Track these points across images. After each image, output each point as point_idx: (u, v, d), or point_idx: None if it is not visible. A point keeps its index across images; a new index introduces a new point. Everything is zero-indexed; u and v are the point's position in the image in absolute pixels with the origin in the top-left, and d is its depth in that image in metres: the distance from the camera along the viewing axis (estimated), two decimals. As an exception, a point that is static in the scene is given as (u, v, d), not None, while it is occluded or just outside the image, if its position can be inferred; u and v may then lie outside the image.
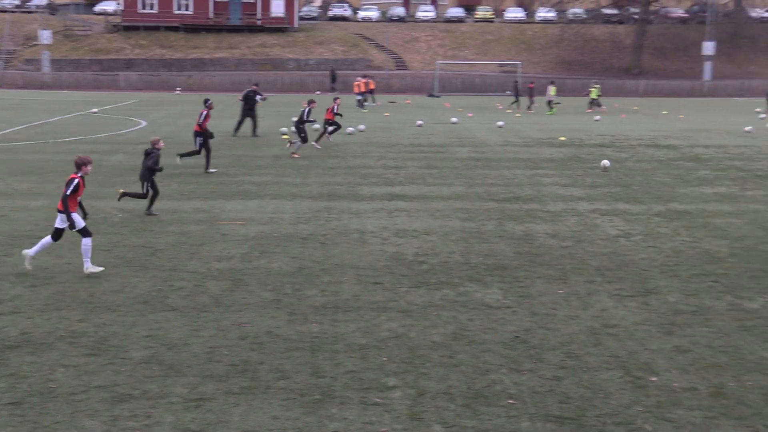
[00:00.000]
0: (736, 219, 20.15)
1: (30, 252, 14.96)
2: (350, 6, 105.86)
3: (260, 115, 40.81)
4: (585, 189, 24.43)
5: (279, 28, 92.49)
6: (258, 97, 38.69)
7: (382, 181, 25.52)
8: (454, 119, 47.49)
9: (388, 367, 10.63)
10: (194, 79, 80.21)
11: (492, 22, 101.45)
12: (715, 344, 11.53)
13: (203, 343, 11.44)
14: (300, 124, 32.04)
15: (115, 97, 67.11)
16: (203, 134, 26.56)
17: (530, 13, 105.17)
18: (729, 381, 10.25)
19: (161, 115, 49.48)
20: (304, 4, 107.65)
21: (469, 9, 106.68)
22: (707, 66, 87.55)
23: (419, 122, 45.08)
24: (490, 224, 19.41)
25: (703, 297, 13.75)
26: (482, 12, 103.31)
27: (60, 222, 14.66)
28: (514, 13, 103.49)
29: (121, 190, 20.27)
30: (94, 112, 50.35)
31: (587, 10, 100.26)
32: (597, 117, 50.70)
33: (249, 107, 37.87)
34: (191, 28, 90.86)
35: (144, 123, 43.96)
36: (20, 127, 41.21)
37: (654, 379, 10.29)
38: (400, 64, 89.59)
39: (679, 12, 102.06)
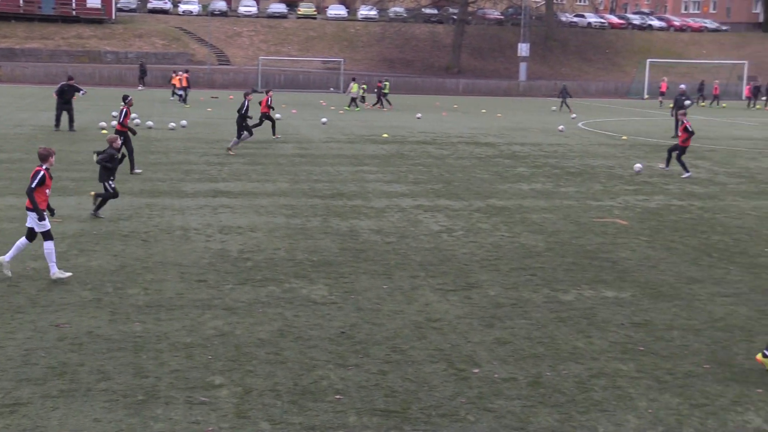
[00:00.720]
0: (551, 214, 20.96)
1: (5, 258, 14.08)
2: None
3: (78, 109, 39.48)
4: (408, 185, 24.85)
5: (95, 19, 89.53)
6: (80, 93, 37.55)
7: (206, 178, 25.16)
8: (277, 115, 47.28)
9: (214, 366, 10.49)
10: (4, 70, 76.56)
11: (315, 18, 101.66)
12: (533, 335, 11.96)
13: (18, 345, 10.96)
14: (242, 118, 31.34)
15: None
16: (124, 133, 25.20)
17: (352, 10, 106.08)
18: (546, 370, 10.66)
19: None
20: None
21: (292, 5, 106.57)
22: (522, 67, 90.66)
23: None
24: (315, 220, 19.46)
25: (521, 290, 14.24)
26: (305, 9, 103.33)
27: (32, 221, 13.89)
28: (337, 10, 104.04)
29: (93, 192, 19.47)
30: None
31: (408, 10, 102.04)
32: (418, 115, 51.59)
33: (65, 101, 36.57)
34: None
35: (-50, 115, 41.74)
36: None
37: (476, 370, 10.58)
38: (223, 59, 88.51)
39: (495, 14, 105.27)
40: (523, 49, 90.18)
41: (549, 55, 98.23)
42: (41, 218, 13.80)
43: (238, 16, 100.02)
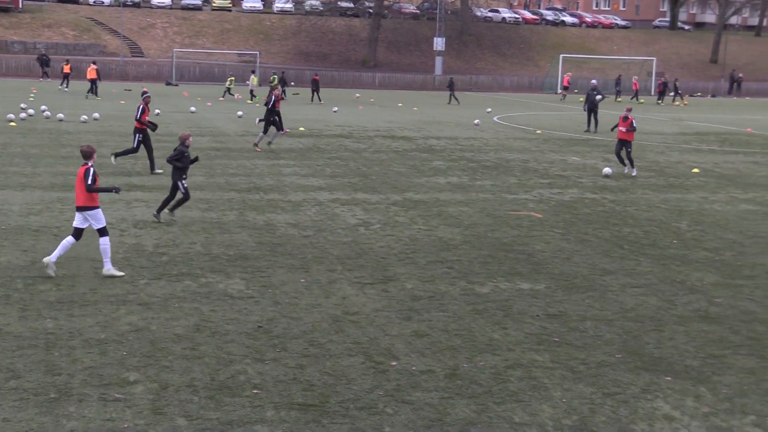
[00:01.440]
0: (467, 208, 21.14)
1: (51, 258, 13.84)
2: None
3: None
4: (325, 179, 24.81)
5: (1, 7, 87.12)
6: None
7: (119, 171, 24.73)
8: (192, 108, 46.79)
9: (129, 362, 10.34)
10: None
11: (230, 11, 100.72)
12: (450, 328, 12.06)
13: (-76, 344, 10.65)
14: (270, 113, 30.85)
15: None
16: (143, 131, 24.37)
17: (268, 3, 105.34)
18: (463, 362, 10.76)
19: None
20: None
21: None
22: (438, 61, 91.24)
23: (156, 111, 44.04)
24: (231, 214, 19.31)
25: (438, 283, 14.34)
26: (219, 1, 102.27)
27: (81, 221, 13.95)
28: (252, 2, 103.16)
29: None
30: None
31: (324, 3, 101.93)
32: (335, 108, 51.53)
33: None
34: None
35: None
36: None
37: (394, 363, 10.62)
38: (136, 51, 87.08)
39: (411, 8, 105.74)
40: (439, 43, 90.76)
41: (464, 49, 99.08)
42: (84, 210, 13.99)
43: (152, 8, 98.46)
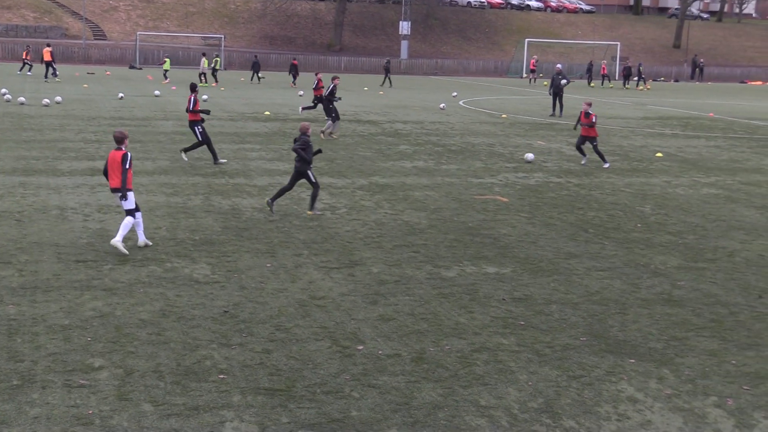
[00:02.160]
0: (433, 192, 21.18)
1: (117, 238, 14.29)
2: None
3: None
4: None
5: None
6: None
7: (83, 156, 24.51)
8: (156, 92, 46.42)
9: (94, 348, 10.26)
10: None
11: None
12: (416, 312, 12.09)
13: None
14: (329, 103, 30.68)
15: None
16: (198, 122, 23.70)
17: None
18: (429, 346, 10.79)
19: None
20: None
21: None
22: (404, 45, 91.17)
23: (120, 95, 43.67)
24: (196, 199, 19.20)
25: (404, 267, 14.36)
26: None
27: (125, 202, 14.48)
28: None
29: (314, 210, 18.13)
30: None
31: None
32: (300, 92, 51.34)
33: None
34: None
35: None
36: None
37: (360, 347, 10.63)
38: (99, 34, 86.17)
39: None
40: (404, 27, 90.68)
41: (430, 33, 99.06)
42: (125, 197, 14.35)
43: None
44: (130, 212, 14.52)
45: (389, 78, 64.74)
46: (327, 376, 9.74)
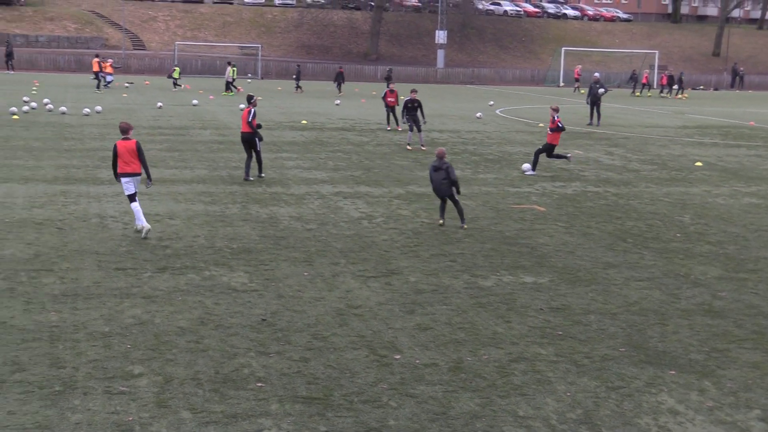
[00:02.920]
0: (470, 201, 21.12)
1: (140, 222, 16.18)
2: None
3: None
4: (328, 172, 24.80)
5: (3, 1, 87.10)
6: None
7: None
8: (194, 101, 46.77)
9: (133, 355, 10.35)
10: None
11: (231, 4, 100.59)
12: (453, 321, 12.06)
13: (-71, 337, 10.66)
14: (409, 112, 31.11)
15: None
16: (253, 135, 22.67)
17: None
18: (466, 356, 10.76)
19: None
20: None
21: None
22: (440, 54, 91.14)
23: (159, 104, 44.06)
24: (234, 207, 19.31)
25: (442, 276, 14.34)
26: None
27: (134, 186, 16.30)
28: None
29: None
30: None
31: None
32: (337, 101, 51.51)
33: None
34: None
35: None
36: None
37: (398, 356, 10.63)
38: (138, 44, 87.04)
39: (413, 1, 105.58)
40: (441, 36, 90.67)
41: (466, 42, 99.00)
42: (150, 180, 16.82)
43: (153, 1, 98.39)
44: (134, 196, 16.31)
45: (340, 86, 62.62)
46: (364, 385, 9.74)
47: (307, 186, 22.44)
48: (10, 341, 10.63)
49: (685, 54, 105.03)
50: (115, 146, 16.23)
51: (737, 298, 13.67)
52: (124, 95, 50.88)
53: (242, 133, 22.80)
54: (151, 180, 16.84)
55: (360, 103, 52.25)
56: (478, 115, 44.87)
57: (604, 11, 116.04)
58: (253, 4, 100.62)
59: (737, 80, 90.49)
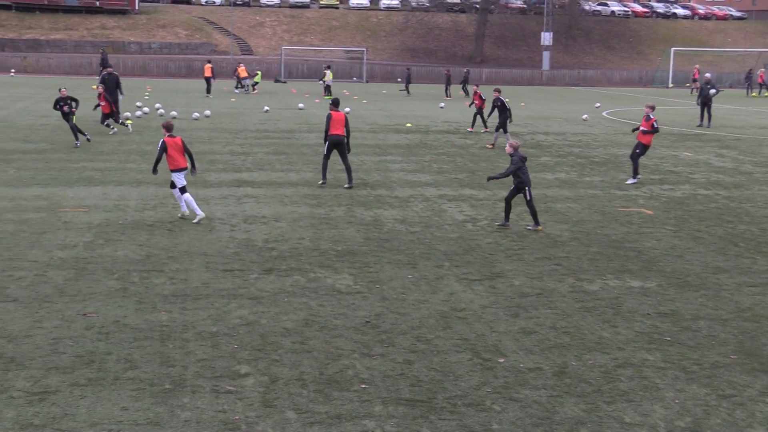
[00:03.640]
0: (576, 204, 20.87)
1: (197, 212, 17.76)
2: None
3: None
4: (432, 175, 24.81)
5: (119, 9, 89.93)
6: (120, 96, 36.20)
7: (230, 168, 25.22)
8: (300, 105, 47.37)
9: (240, 355, 10.53)
10: (30, 61, 77.01)
11: (337, 8, 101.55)
12: (558, 325, 11.93)
13: (46, 334, 11.05)
14: (503, 113, 31.69)
15: (-56, 79, 63.76)
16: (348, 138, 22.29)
17: (374, 0, 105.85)
18: (571, 360, 10.62)
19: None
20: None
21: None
22: (546, 56, 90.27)
23: (266, 108, 44.76)
24: (339, 210, 19.48)
25: (546, 280, 14.19)
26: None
27: (183, 178, 18.02)
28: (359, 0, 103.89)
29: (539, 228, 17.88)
30: None
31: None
32: (442, 104, 51.50)
33: (111, 91, 35.95)
34: (24, 7, 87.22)
35: (-24, 106, 42.02)
36: None
37: (501, 360, 10.56)
38: (246, 49, 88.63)
39: (518, 2, 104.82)
40: (546, 38, 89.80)
41: (572, 44, 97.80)
42: (195, 170, 18.51)
43: (261, 6, 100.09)
44: (184, 189, 17.92)
45: (407, 87, 63.81)
46: (468, 388, 9.71)
47: (411, 189, 22.49)
48: (123, 339, 10.94)
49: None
50: (165, 142, 17.80)
51: None
52: (232, 100, 51.86)
53: (336, 135, 22.07)
54: (195, 170, 18.43)
55: (464, 106, 52.09)
56: (584, 117, 44.29)
57: (716, 9, 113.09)
58: (359, 8, 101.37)
59: None
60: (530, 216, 18.11)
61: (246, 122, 38.22)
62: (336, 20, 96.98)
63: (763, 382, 10.04)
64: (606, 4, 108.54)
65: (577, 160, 28.70)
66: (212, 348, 10.73)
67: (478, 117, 37.04)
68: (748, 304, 13.12)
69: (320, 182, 22.76)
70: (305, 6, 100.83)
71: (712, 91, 41.02)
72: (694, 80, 71.82)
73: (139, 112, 39.56)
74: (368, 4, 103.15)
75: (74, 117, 28.77)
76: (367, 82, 78.92)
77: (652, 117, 24.43)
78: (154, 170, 18.72)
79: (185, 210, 18.15)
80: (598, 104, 55.19)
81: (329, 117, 22.10)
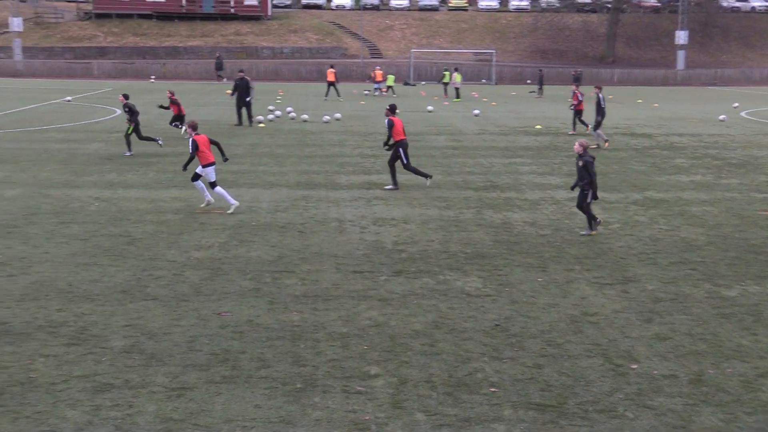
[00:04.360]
0: (712, 207, 20.27)
1: (230, 201, 18.99)
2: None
3: (229, 103, 40.48)
4: (562, 177, 24.50)
5: (252, 16, 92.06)
6: (249, 99, 37.02)
7: (360, 170, 25.48)
8: (430, 107, 47.48)
9: (370, 356, 10.62)
10: (168, 67, 79.65)
11: (466, 10, 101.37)
12: (694, 332, 11.61)
13: (184, 332, 11.39)
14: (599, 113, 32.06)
15: (89, 86, 66.49)
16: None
17: (504, 1, 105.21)
18: (708, 368, 10.32)
19: (136, 104, 48.98)
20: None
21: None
22: (680, 55, 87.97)
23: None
24: (468, 212, 19.43)
25: (681, 285, 13.83)
26: (456, 1, 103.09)
27: (214, 173, 19.17)
28: (488, 1, 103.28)
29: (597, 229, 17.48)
30: (68, 101, 49.85)
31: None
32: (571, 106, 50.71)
33: (242, 95, 36.92)
34: (164, 16, 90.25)
35: (119, 111, 43.59)
36: (-8, 115, 40.75)
37: (634, 366, 10.34)
38: (375, 53, 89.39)
39: (651, 1, 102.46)
40: (681, 36, 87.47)
41: (709, 42, 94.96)
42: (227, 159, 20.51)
43: (390, 10, 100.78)
44: (214, 183, 19.06)
45: (541, 88, 62.80)
46: (600, 394, 9.54)
47: (541, 191, 22.26)
48: (257, 339, 11.18)
49: None
50: (196, 141, 18.85)
51: None
52: (362, 102, 52.37)
53: (405, 140, 22.29)
54: (226, 156, 20.32)
55: (591, 108, 51.15)
56: (722, 117, 42.95)
57: None
58: (488, 10, 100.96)
59: None
60: (585, 220, 17.53)
61: (375, 125, 38.54)
62: (465, 22, 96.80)
63: None
64: (746, 0, 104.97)
65: (714, 162, 27.87)
66: (342, 348, 10.86)
67: (579, 118, 36.15)
68: None
69: (391, 187, 22.38)
70: (434, 9, 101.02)
71: None
72: None
73: (271, 116, 40.38)
74: (497, 6, 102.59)
75: (130, 128, 28.32)
76: (496, 84, 78.51)
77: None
78: (185, 168, 19.81)
79: (209, 198, 19.37)
80: (737, 104, 53.45)
81: (392, 123, 22.06)
